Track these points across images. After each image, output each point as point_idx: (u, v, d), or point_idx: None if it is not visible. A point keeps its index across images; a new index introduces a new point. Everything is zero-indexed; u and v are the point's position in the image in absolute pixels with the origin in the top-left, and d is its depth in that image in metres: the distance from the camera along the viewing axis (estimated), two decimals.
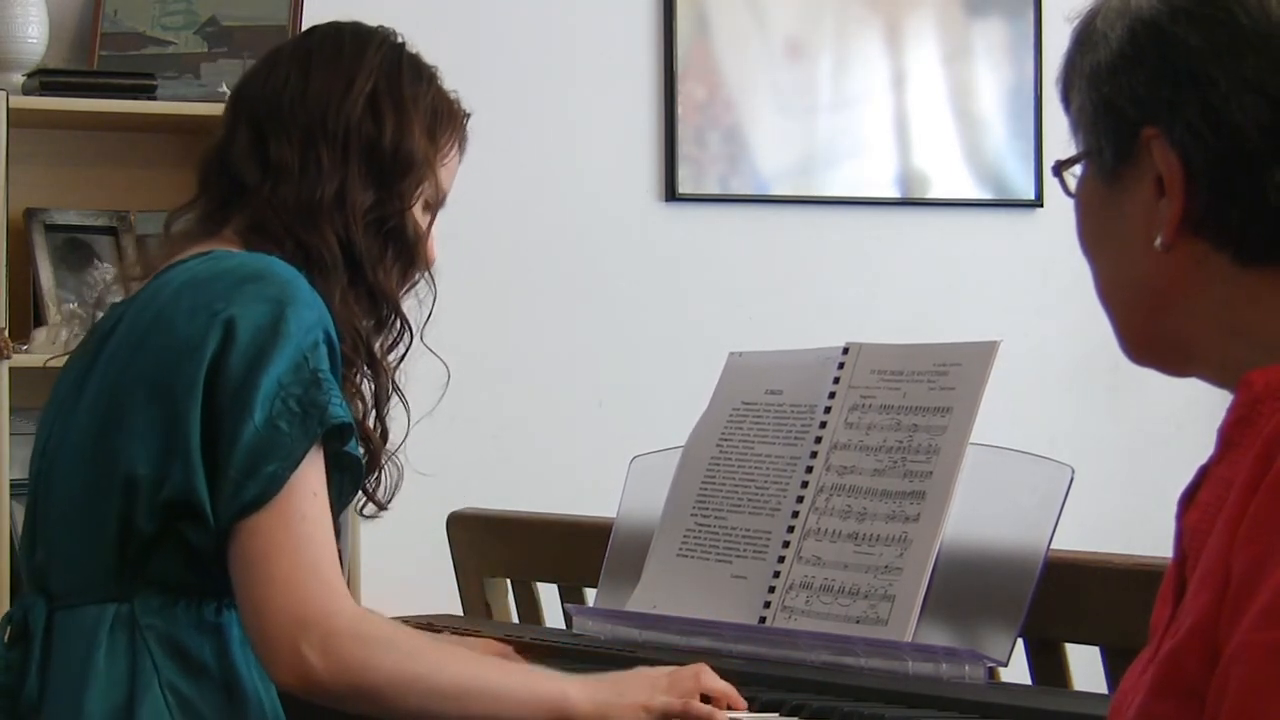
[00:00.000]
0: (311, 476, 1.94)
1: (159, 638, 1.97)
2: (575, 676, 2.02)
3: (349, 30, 2.21)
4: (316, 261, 2.07)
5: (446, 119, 2.20)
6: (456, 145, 2.22)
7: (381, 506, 2.18)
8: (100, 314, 2.17)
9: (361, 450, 2.05)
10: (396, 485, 2.20)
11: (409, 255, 2.16)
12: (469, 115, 2.24)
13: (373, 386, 2.11)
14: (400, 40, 2.22)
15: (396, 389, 2.17)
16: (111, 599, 1.98)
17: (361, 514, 2.20)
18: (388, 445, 2.16)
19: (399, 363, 2.18)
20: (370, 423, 2.14)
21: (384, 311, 2.14)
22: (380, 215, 2.12)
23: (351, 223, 2.10)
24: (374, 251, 2.12)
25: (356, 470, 2.04)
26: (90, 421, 2.02)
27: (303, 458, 1.93)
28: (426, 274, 2.21)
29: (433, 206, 2.19)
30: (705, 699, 2.00)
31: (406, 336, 2.18)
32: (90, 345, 2.10)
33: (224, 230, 2.12)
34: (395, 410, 2.19)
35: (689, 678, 2.01)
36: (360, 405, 2.12)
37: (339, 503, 2.01)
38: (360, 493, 2.15)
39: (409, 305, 2.19)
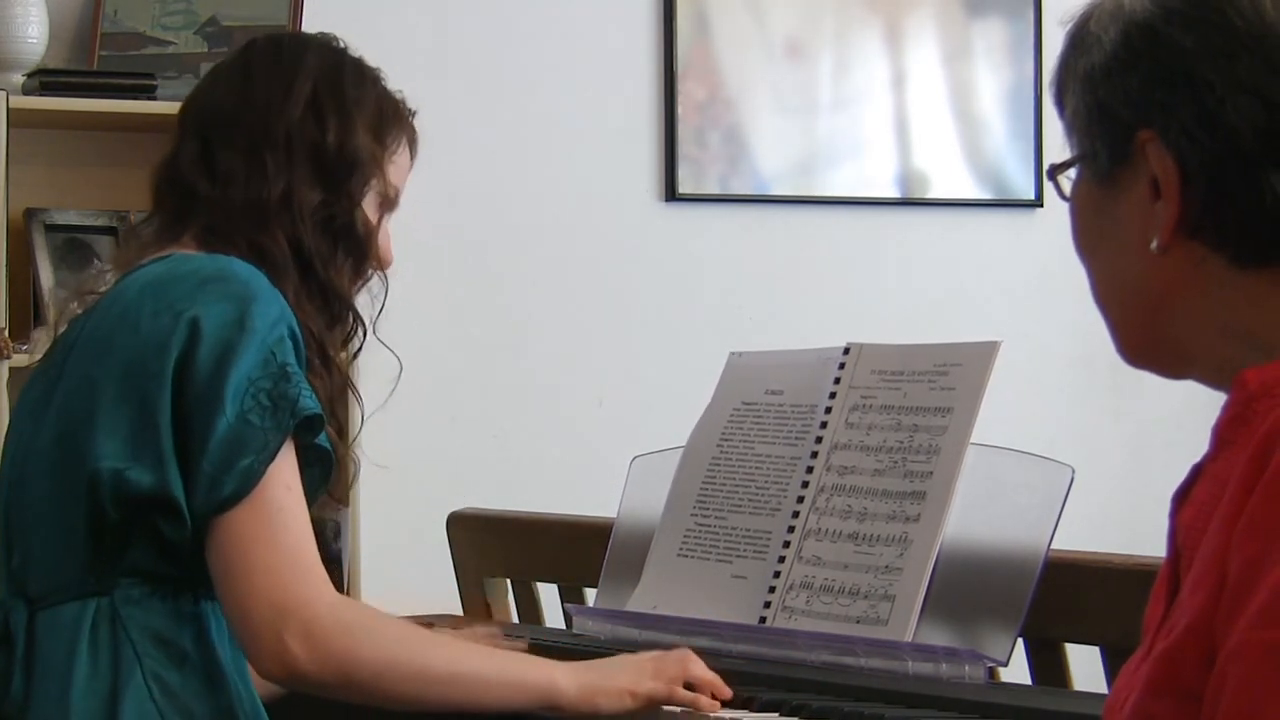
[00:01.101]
0: (285, 469, 1.96)
1: (140, 628, 1.98)
2: (561, 663, 2.03)
3: (287, 39, 2.26)
4: (269, 261, 2.09)
5: (392, 118, 2.21)
6: (406, 144, 2.24)
7: (340, 501, 2.20)
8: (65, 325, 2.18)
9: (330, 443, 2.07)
10: (353, 478, 2.21)
11: (359, 252, 2.17)
12: (414, 113, 2.26)
13: (327, 383, 2.12)
14: (341, 45, 2.24)
15: (350, 385, 2.18)
16: (91, 594, 1.99)
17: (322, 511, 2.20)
18: (343, 439, 2.17)
19: (353, 358, 2.21)
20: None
21: (336, 308, 2.16)
22: (328, 214, 2.15)
23: (299, 222, 2.12)
24: (324, 250, 2.14)
25: (327, 463, 2.05)
26: (59, 423, 2.03)
27: (277, 450, 1.95)
28: (380, 273, 2.23)
29: (386, 205, 2.21)
30: (690, 686, 2.01)
31: (360, 332, 2.20)
32: (55, 354, 2.11)
33: (182, 238, 2.14)
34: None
35: (674, 663, 2.02)
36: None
37: (311, 496, 2.01)
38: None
39: (362, 302, 2.21)
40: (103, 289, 2.14)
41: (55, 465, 2.02)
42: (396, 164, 2.22)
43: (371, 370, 2.24)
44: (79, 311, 2.14)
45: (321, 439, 2.02)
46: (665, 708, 2.01)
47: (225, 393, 1.94)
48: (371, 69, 2.23)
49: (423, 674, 1.95)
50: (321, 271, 2.13)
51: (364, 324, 2.20)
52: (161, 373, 1.96)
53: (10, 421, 2.17)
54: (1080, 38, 1.36)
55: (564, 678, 1.98)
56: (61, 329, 2.15)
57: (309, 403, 1.98)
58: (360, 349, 2.21)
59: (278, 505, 1.94)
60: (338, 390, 2.14)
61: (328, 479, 2.08)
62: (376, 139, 2.18)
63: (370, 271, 2.21)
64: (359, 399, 2.21)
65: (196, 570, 1.98)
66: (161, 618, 1.99)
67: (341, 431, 2.16)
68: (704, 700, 1.99)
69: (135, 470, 1.95)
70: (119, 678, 1.96)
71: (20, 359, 3.45)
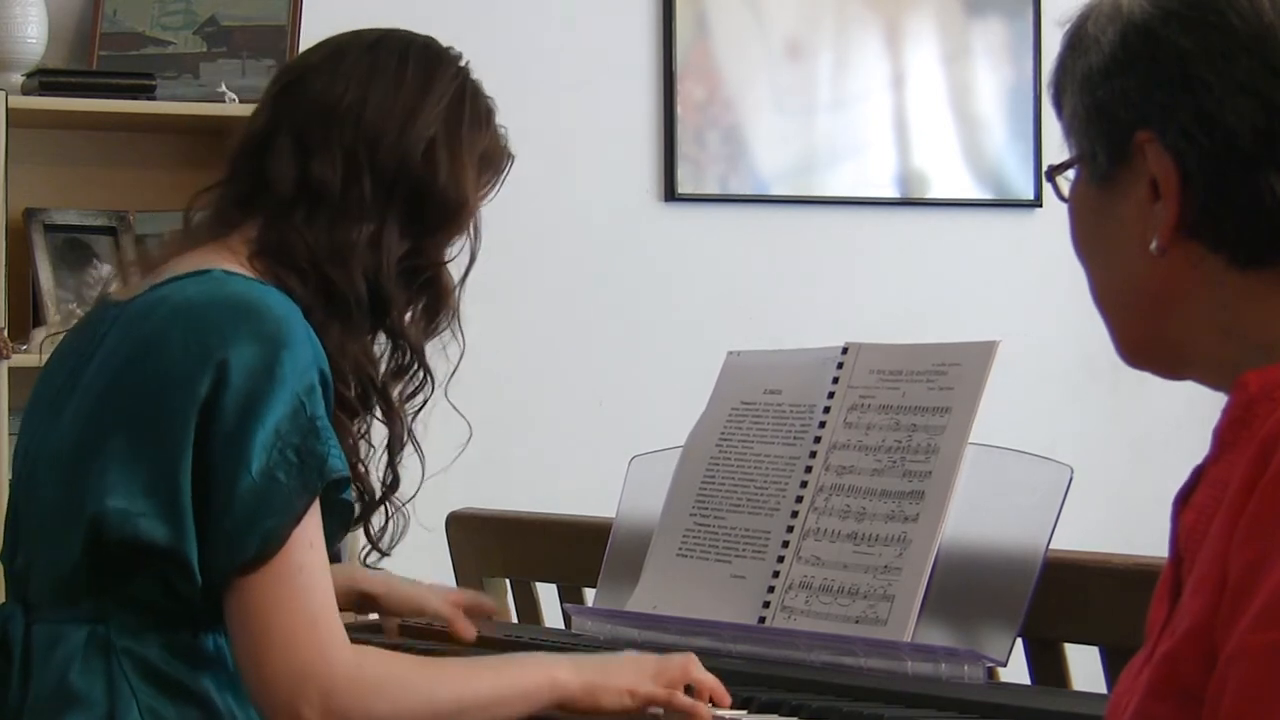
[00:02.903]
0: (310, 528, 1.89)
1: (135, 661, 1.93)
2: (563, 656, 2.04)
3: (417, 50, 2.10)
4: (339, 301, 2.00)
5: (492, 164, 2.12)
6: (494, 186, 2.15)
7: (384, 554, 2.14)
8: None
9: (354, 497, 2.00)
10: (401, 534, 2.13)
11: (437, 306, 2.10)
12: (513, 158, 2.15)
13: (387, 433, 2.04)
14: (469, 74, 2.11)
15: (413, 438, 2.11)
16: (87, 620, 1.94)
17: (364, 561, 2.16)
18: (397, 494, 2.10)
19: (417, 412, 2.11)
20: (380, 470, 2.07)
21: (405, 359, 2.08)
22: (414, 265, 2.06)
23: (384, 268, 2.02)
24: (401, 300, 2.05)
25: (347, 515, 1.99)
26: (70, 436, 1.96)
27: (303, 513, 1.88)
28: (455, 325, 2.15)
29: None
30: (691, 690, 2.02)
31: (429, 387, 2.12)
32: (82, 346, 2.02)
33: (237, 231, 2.02)
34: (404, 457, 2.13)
35: (676, 667, 2.02)
36: (365, 448, 2.06)
37: (327, 545, 1.94)
38: (364, 538, 2.11)
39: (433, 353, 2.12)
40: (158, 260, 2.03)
41: (62, 483, 1.95)
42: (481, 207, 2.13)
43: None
44: (118, 298, 2.03)
45: (345, 494, 1.95)
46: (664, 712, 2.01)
47: (251, 446, 1.86)
48: (488, 105, 2.11)
49: (436, 715, 1.93)
50: (395, 320, 2.04)
51: (433, 380, 2.11)
52: (184, 415, 1.87)
53: (28, 405, 2.08)
54: (1078, 39, 1.36)
55: (564, 673, 1.98)
56: (105, 294, 2.06)
57: (337, 464, 1.90)
58: (424, 405, 2.11)
59: (299, 566, 1.88)
60: (397, 442, 2.07)
61: (345, 530, 2.02)
62: (475, 188, 2.08)
63: (445, 325, 2.13)
64: (421, 455, 2.11)
65: (198, 608, 1.92)
66: (158, 650, 1.94)
67: (395, 483, 2.10)
68: (702, 709, 1.99)
69: (147, 520, 1.88)
70: (115, 710, 1.91)
71: (20, 359, 3.45)
